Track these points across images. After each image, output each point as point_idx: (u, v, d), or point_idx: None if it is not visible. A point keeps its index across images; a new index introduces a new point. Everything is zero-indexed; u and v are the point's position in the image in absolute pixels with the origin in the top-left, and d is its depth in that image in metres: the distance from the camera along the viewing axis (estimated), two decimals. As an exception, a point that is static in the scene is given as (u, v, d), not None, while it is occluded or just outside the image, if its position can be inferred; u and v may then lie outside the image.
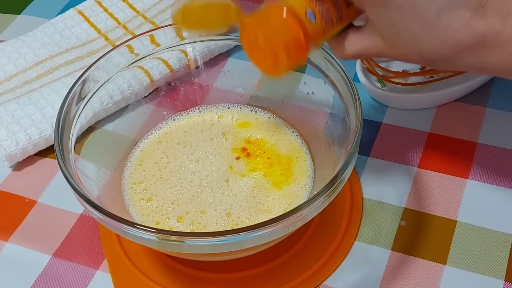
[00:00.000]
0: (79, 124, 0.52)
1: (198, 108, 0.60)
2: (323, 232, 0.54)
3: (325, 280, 0.51)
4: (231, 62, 0.62)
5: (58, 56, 0.67)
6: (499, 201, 0.55)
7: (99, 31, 0.70)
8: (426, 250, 0.53)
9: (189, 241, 0.43)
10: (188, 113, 0.60)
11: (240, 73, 0.61)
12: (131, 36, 0.66)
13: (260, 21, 0.45)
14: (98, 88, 0.54)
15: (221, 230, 0.50)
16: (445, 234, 0.54)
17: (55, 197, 0.59)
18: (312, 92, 0.57)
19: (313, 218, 0.46)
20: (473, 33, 0.40)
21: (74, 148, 0.50)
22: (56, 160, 0.47)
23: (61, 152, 0.48)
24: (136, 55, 0.56)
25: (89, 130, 0.54)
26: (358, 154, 0.56)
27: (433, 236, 0.54)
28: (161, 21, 0.70)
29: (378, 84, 0.64)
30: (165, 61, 0.62)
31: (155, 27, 0.64)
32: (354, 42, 0.45)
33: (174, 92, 0.61)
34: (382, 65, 0.65)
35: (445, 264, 0.52)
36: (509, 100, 0.63)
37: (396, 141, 0.61)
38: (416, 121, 0.62)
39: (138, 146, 0.57)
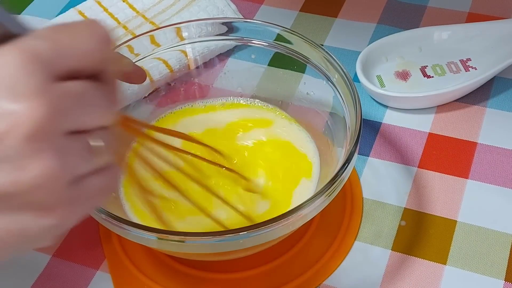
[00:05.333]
0: (79, 124, 0.52)
1: (191, 105, 0.60)
2: (323, 232, 0.54)
3: (325, 280, 0.51)
4: (231, 62, 0.62)
5: (58, 56, 0.67)
6: (499, 201, 0.55)
7: (99, 31, 0.70)
8: (426, 250, 0.53)
9: (189, 241, 0.43)
10: (181, 108, 0.59)
11: (240, 73, 0.61)
12: (131, 36, 0.66)
13: None
14: (98, 88, 0.54)
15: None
16: (445, 234, 0.54)
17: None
18: (312, 92, 0.57)
19: (313, 218, 0.46)
20: None
21: (74, 148, 0.50)
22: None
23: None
24: (136, 55, 0.56)
25: (89, 130, 0.54)
26: (358, 154, 0.56)
27: (433, 236, 0.54)
28: (161, 21, 0.70)
29: (378, 84, 0.64)
30: (165, 61, 0.62)
31: (155, 27, 0.64)
32: None
33: (174, 92, 0.61)
34: (381, 66, 0.65)
35: (445, 264, 0.52)
36: (509, 100, 0.63)
37: (396, 141, 0.61)
38: (416, 121, 0.62)
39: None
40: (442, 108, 0.63)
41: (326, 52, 0.53)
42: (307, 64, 0.55)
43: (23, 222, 0.30)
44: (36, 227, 0.30)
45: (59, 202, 0.30)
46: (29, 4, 0.79)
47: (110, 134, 0.33)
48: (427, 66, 0.65)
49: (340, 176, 0.45)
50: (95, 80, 0.32)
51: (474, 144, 0.60)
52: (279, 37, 0.56)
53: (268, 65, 0.59)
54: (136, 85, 0.59)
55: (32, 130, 0.28)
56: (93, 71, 0.32)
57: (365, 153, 0.60)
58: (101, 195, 0.33)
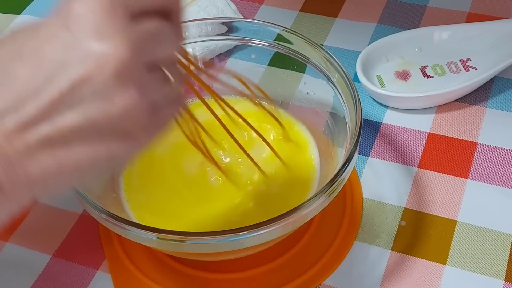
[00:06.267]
0: (79, 124, 0.52)
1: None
2: (323, 232, 0.54)
3: (325, 280, 0.51)
4: (231, 62, 0.62)
5: (58, 56, 0.67)
6: (499, 201, 0.55)
7: (99, 31, 0.70)
8: (426, 250, 0.53)
9: (189, 240, 0.43)
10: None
11: (240, 73, 0.61)
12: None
13: None
14: (98, 88, 0.54)
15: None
16: (445, 234, 0.54)
17: (55, 197, 0.59)
18: (312, 92, 0.57)
19: (313, 218, 0.46)
20: None
21: (74, 148, 0.50)
22: (56, 160, 0.47)
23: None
24: (136, 55, 0.56)
25: (89, 130, 0.54)
26: (358, 154, 0.56)
27: (433, 236, 0.54)
28: (161, 21, 0.70)
29: (378, 84, 0.64)
30: (165, 61, 0.62)
31: (155, 27, 0.64)
32: None
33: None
34: (381, 66, 0.65)
35: (445, 264, 0.52)
36: (509, 100, 0.63)
37: (396, 141, 0.61)
38: (416, 121, 0.62)
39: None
40: (442, 108, 0.63)
41: (326, 52, 0.53)
42: (307, 64, 0.55)
43: (113, 148, 0.34)
44: (122, 151, 0.34)
45: (141, 129, 0.34)
46: (29, 4, 0.79)
47: (177, 68, 0.38)
48: (427, 66, 0.65)
49: (340, 176, 0.45)
50: (164, 18, 0.35)
51: (474, 144, 0.60)
52: (279, 37, 0.56)
53: (268, 65, 0.59)
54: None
55: (118, 67, 0.32)
56: (161, 9, 0.35)
57: (365, 153, 0.60)
58: (170, 120, 0.37)
